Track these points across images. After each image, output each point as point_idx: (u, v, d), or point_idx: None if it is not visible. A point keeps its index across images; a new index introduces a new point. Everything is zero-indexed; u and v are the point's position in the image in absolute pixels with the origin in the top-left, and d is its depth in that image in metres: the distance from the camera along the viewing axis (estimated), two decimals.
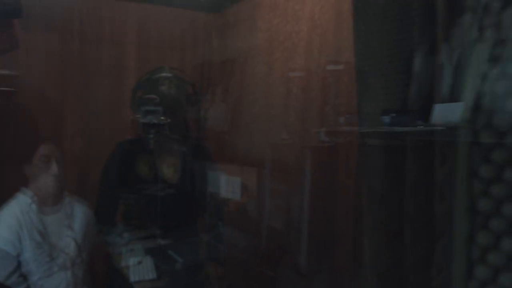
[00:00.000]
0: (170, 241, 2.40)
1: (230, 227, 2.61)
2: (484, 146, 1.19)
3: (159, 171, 2.42)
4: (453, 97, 1.52)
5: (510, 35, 1.35)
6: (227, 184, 2.67)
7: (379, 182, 1.45)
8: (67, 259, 2.24)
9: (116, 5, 2.90)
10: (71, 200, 2.35)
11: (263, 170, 2.58)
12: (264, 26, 2.71)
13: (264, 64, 2.71)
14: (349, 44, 1.99)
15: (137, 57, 2.72)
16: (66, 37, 2.75)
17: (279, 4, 2.60)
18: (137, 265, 2.31)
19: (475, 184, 1.18)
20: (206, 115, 2.83)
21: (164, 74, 2.44)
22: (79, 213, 2.35)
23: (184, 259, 2.33)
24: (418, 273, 1.30)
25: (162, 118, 2.27)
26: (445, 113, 1.58)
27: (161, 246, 2.40)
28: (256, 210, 2.62)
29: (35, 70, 2.66)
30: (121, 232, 2.42)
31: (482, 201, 1.18)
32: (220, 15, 3.11)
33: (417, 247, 1.28)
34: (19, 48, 2.30)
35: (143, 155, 2.40)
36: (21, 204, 2.19)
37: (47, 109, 2.69)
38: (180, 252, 2.36)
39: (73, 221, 2.32)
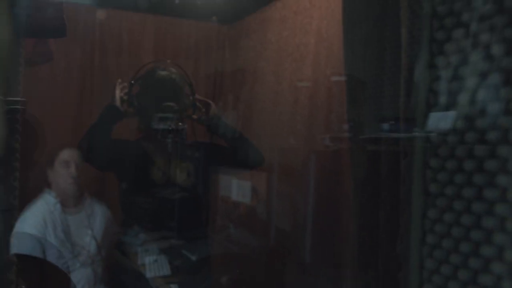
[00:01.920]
0: (183, 241, 2.57)
1: (241, 228, 2.80)
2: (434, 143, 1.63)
3: (172, 176, 2.56)
4: (448, 107, 1.77)
5: (500, 49, 1.58)
6: (237, 188, 2.87)
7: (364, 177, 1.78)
8: (88, 257, 2.47)
9: (134, 16, 3.14)
10: (91, 202, 2.58)
11: (272, 174, 2.78)
12: (274, 38, 2.93)
13: (273, 74, 2.92)
14: None
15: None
16: (87, 48, 2.99)
17: (288, 17, 2.82)
18: (152, 263, 2.49)
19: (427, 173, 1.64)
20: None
21: (162, 65, 2.52)
22: (99, 213, 2.59)
23: (197, 256, 2.52)
24: (389, 243, 1.73)
25: (180, 124, 2.42)
26: (439, 121, 1.82)
27: (174, 246, 2.56)
28: (265, 213, 2.81)
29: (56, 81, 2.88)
30: (137, 233, 2.59)
31: (432, 185, 1.63)
32: (232, 27, 3.32)
33: (389, 224, 1.65)
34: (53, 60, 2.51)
35: (157, 159, 2.53)
36: (47, 203, 2.43)
37: (67, 117, 2.91)
38: (193, 251, 2.54)
39: (93, 221, 2.55)
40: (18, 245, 2.09)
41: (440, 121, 1.80)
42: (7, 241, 1.84)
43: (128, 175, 2.53)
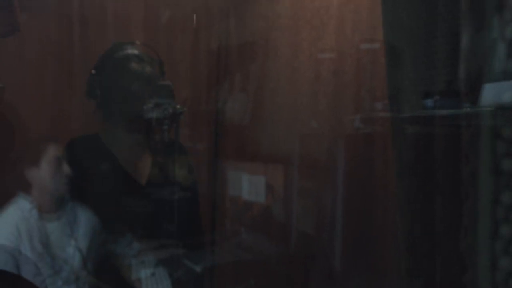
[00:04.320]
0: (185, 250, 2.50)
1: (254, 232, 2.73)
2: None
3: (170, 172, 2.50)
4: (507, 76, 1.63)
5: None
6: (249, 185, 2.79)
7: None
8: (72, 272, 2.37)
9: None
10: (73, 205, 2.47)
11: (290, 167, 2.70)
12: (288, 2, 2.85)
13: (289, 46, 2.85)
14: None
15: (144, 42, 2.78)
16: (64, 21, 2.88)
17: None
18: (150, 277, 2.42)
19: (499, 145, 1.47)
20: (223, 107, 2.90)
21: (131, 51, 2.39)
22: (83, 220, 2.46)
23: (202, 267, 2.44)
24: (448, 237, 1.61)
25: (178, 106, 2.31)
26: (497, 93, 1.69)
27: (174, 255, 2.50)
28: (284, 213, 2.74)
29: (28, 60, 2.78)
30: (130, 242, 2.52)
31: (506, 161, 1.47)
32: None
33: (448, 213, 1.58)
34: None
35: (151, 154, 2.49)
36: (20, 209, 2.32)
37: (44, 104, 2.81)
38: (197, 260, 2.47)
39: (77, 229, 2.44)
40: None
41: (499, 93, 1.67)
42: None
43: (118, 174, 2.46)
